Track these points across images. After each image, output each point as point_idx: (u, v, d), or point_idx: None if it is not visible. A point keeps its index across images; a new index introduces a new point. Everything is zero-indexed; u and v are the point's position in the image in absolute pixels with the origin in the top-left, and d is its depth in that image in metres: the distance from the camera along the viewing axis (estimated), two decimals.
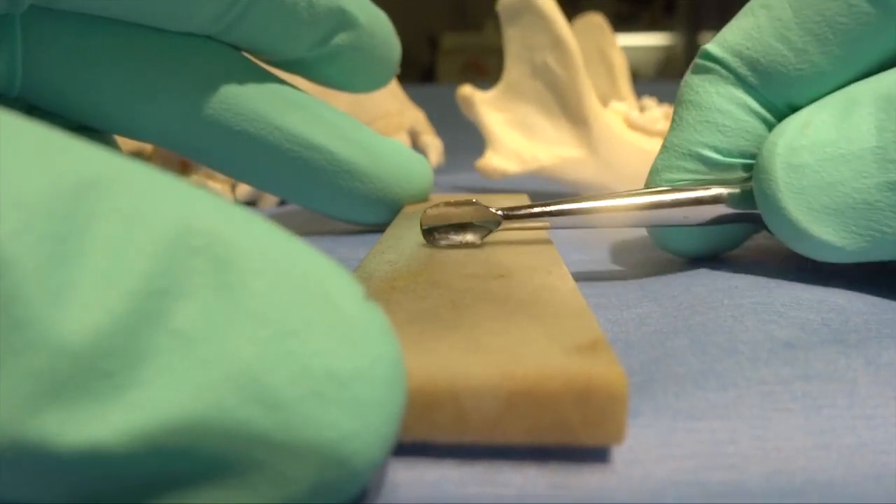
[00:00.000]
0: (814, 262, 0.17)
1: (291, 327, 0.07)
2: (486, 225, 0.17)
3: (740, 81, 0.17)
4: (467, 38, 2.14)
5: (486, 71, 1.98)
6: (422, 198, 0.24)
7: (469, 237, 0.17)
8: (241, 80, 0.21)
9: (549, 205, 0.17)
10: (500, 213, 0.17)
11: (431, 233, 0.17)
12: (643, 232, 0.24)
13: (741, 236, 0.19)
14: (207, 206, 0.08)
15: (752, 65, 0.17)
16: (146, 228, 0.07)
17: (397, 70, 0.24)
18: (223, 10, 0.19)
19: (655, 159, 0.18)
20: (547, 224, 0.17)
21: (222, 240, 0.08)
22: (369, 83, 0.24)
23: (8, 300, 0.06)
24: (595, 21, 0.33)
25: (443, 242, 0.17)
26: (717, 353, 0.13)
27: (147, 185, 0.08)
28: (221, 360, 0.07)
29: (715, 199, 0.17)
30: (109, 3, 0.18)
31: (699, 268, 0.18)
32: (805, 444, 0.10)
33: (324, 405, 0.07)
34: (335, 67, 0.22)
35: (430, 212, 0.17)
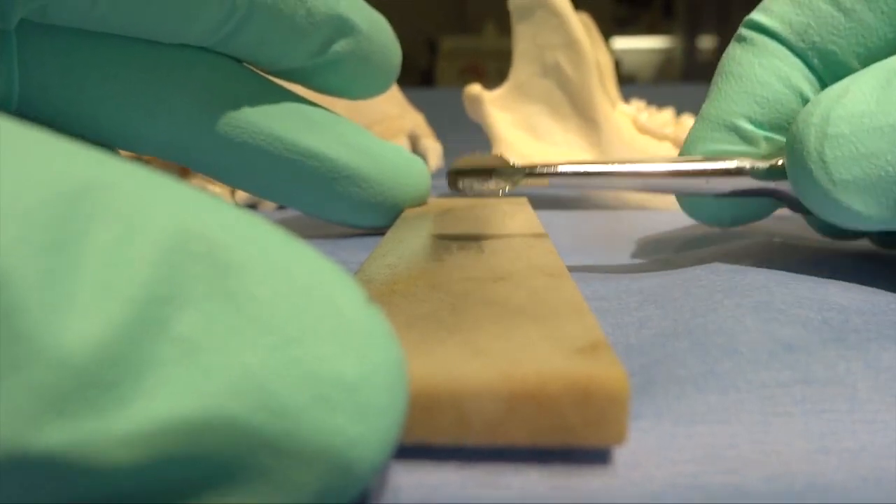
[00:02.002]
0: (815, 260, 0.17)
1: (296, 333, 0.07)
2: (510, 176, 0.18)
3: (789, 50, 0.17)
4: (466, 41, 2.14)
5: (485, 74, 1.99)
6: (420, 201, 0.24)
7: (492, 185, 0.18)
8: (240, 92, 0.21)
9: (574, 164, 0.17)
10: (523, 168, 0.18)
11: (457, 178, 0.18)
12: (645, 235, 0.24)
13: (766, 209, 0.19)
14: (207, 210, 0.08)
15: (803, 31, 0.16)
16: (145, 234, 0.07)
17: (397, 75, 0.24)
18: (220, 21, 0.19)
19: (690, 130, 0.18)
20: (574, 184, 0.18)
21: (223, 245, 0.07)
22: (370, 89, 0.24)
23: (6, 313, 0.06)
24: (582, 21, 0.33)
25: (466, 187, 0.18)
26: (718, 354, 0.13)
27: (145, 189, 0.07)
28: (226, 368, 0.07)
29: (738, 171, 0.17)
30: (104, 17, 0.18)
31: (699, 270, 0.18)
32: (805, 448, 0.10)
33: (330, 411, 0.07)
34: (336, 75, 0.22)
35: (459, 159, 0.18)
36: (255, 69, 0.22)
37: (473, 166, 0.18)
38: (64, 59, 0.19)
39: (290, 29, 0.20)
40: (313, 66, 0.22)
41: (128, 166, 0.08)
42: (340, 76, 0.22)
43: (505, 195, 0.18)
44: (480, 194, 0.18)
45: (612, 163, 0.17)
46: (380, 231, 0.24)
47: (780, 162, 0.17)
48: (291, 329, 0.07)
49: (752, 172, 0.17)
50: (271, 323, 0.07)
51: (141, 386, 0.07)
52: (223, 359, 0.07)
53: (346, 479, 0.07)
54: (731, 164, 0.17)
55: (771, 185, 0.17)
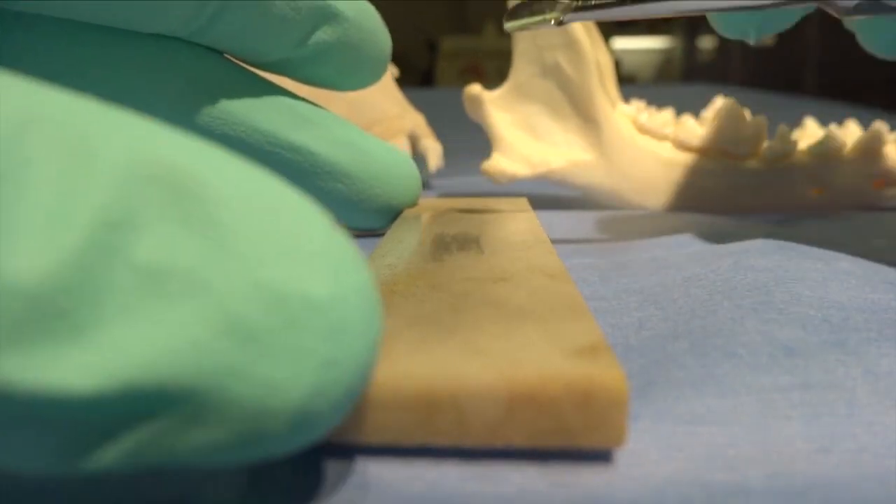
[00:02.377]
0: (815, 260, 0.17)
1: (261, 256, 0.07)
2: (560, 10, 0.18)
3: None
4: (466, 41, 2.14)
5: (485, 74, 1.99)
6: (409, 201, 0.23)
7: (545, 14, 0.18)
8: (221, 83, 0.20)
9: None
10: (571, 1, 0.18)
11: (515, 12, 0.18)
12: (645, 235, 0.24)
13: (794, 15, 0.18)
14: (164, 137, 0.07)
15: None
16: (96, 161, 0.07)
17: (389, 68, 0.23)
18: (196, 7, 0.18)
19: None
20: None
21: (181, 170, 0.07)
22: (360, 80, 0.23)
23: None
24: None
25: (520, 16, 0.18)
26: (717, 356, 0.13)
27: (94, 119, 0.07)
28: (189, 294, 0.07)
29: None
30: (70, 2, 0.17)
31: (699, 270, 0.18)
32: (806, 449, 0.10)
33: (301, 334, 0.07)
34: (324, 66, 0.21)
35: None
36: (240, 63, 0.21)
37: None
38: (38, 52, 0.19)
39: (271, 17, 0.19)
40: (299, 56, 0.21)
41: (74, 98, 0.07)
42: (329, 67, 0.21)
43: (558, 24, 0.18)
44: (537, 25, 0.18)
45: None
46: (379, 232, 0.24)
47: None
48: (256, 252, 0.07)
49: None
50: (235, 246, 0.07)
51: (99, 314, 0.07)
52: (186, 285, 0.07)
53: (323, 405, 0.07)
54: None
55: None
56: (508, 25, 0.18)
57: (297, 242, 0.07)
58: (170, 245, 0.07)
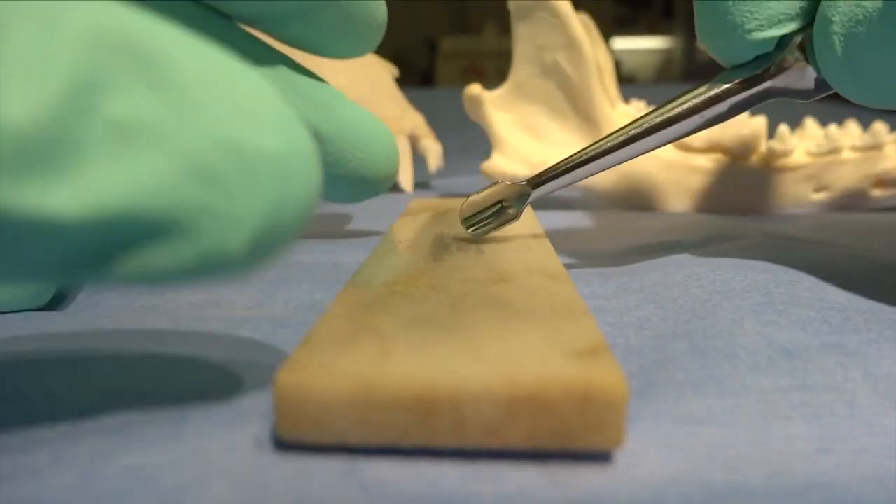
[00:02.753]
0: (815, 260, 0.17)
1: (220, 114, 0.08)
2: (518, 196, 0.18)
3: None
4: (466, 41, 2.14)
5: (485, 75, 1.99)
6: (383, 173, 0.22)
7: (508, 212, 0.18)
8: (195, 27, 0.19)
9: (572, 159, 0.17)
10: (526, 183, 0.18)
11: (473, 224, 0.18)
12: (645, 235, 0.24)
13: None
14: (124, 11, 0.08)
15: None
16: (63, 29, 0.08)
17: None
18: None
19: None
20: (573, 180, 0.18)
21: (144, 39, 0.08)
22: (350, 47, 0.21)
23: None
24: (582, 21, 0.33)
25: (484, 227, 0.18)
26: (717, 357, 0.13)
27: None
28: (157, 144, 0.08)
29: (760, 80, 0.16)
30: None
31: (699, 269, 0.18)
32: (806, 449, 0.10)
33: (255, 178, 0.08)
34: (309, 26, 0.20)
35: (463, 208, 0.18)
36: (245, 28, 0.20)
37: (480, 206, 0.18)
38: None
39: None
40: (282, 11, 0.19)
41: None
42: (314, 28, 0.20)
43: (522, 213, 0.18)
44: (502, 225, 0.18)
45: (605, 139, 0.17)
46: (377, 231, 0.24)
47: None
48: (215, 110, 0.08)
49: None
50: (196, 105, 0.08)
51: (80, 158, 0.08)
52: (153, 136, 0.08)
53: (271, 237, 0.09)
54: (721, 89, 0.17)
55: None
56: (474, 235, 0.18)
57: (251, 104, 0.09)
58: (137, 103, 0.08)
